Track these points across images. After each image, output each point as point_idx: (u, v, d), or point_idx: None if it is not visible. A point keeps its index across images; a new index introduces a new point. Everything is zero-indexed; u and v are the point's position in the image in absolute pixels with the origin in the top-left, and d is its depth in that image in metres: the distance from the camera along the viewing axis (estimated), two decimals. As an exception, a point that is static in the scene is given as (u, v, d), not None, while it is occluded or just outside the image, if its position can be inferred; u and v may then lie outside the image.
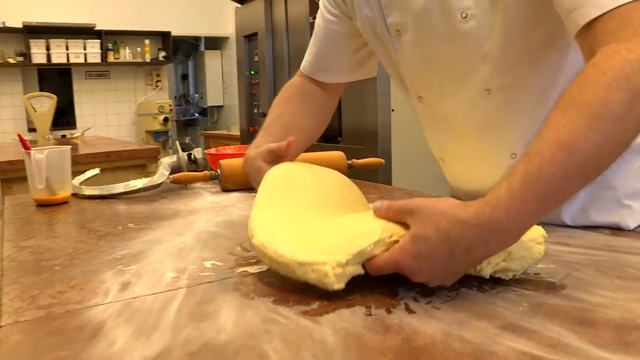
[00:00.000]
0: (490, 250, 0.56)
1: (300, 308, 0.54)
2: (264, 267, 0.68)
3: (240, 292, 0.60)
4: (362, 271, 0.57)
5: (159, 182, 1.26)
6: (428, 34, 0.82)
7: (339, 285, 0.55)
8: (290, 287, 0.60)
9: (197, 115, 7.76)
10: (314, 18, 3.22)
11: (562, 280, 0.61)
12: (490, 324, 0.50)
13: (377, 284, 0.60)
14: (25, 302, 0.59)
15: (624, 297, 0.55)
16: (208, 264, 0.71)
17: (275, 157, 0.83)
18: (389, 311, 0.53)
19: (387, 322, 0.50)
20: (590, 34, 0.61)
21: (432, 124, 0.95)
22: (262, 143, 0.89)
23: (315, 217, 0.69)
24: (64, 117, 5.90)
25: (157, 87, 6.54)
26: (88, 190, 1.24)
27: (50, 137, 3.98)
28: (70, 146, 1.23)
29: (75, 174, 1.33)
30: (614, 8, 0.58)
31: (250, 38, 4.00)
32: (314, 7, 3.19)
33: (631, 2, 0.58)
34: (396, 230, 0.58)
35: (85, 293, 0.61)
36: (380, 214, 0.61)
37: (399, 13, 0.85)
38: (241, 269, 0.68)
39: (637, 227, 0.88)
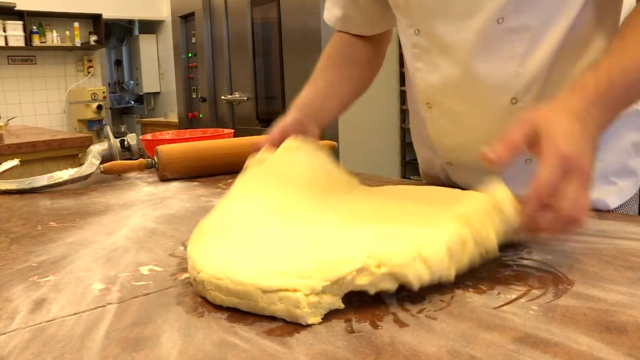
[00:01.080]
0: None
1: (263, 326, 0.43)
2: (214, 272, 0.56)
3: (186, 306, 0.48)
4: (341, 305, 0.45)
5: (88, 172, 1.11)
6: None
7: (314, 318, 0.43)
8: (248, 297, 0.49)
9: (132, 102, 7.46)
10: (255, -3, 3.10)
11: (567, 274, 0.52)
12: (502, 336, 0.40)
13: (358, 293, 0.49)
14: None
15: (645, 293, 0.47)
16: (145, 269, 0.58)
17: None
18: (375, 325, 0.42)
19: (376, 341, 0.40)
20: None
21: (427, 61, 0.84)
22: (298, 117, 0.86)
23: (288, 226, 0.57)
24: (-14, 105, 5.51)
25: (89, 73, 6.21)
26: (4, 185, 1.08)
27: (-30, 127, 3.67)
28: (-20, 134, 1.07)
29: (-6, 166, 1.17)
30: None
31: (186, 19, 3.80)
32: (254, -15, 3.04)
33: None
34: (384, 259, 0.45)
35: (-15, 316, 0.48)
36: (502, 158, 0.53)
37: None
38: (185, 275, 0.56)
39: (618, 207, 0.82)
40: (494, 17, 0.73)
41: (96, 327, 0.44)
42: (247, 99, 3.22)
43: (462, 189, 0.72)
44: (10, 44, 5.44)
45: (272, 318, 0.44)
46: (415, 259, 0.46)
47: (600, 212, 0.77)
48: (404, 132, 4.35)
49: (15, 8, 5.34)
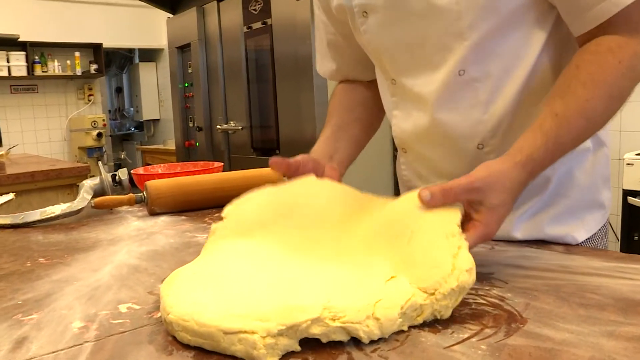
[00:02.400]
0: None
1: (228, 365, 0.46)
2: (188, 311, 0.59)
3: (157, 344, 0.51)
4: (297, 347, 0.48)
5: (80, 207, 1.15)
6: (401, 13, 0.79)
7: (271, 358, 0.46)
8: (216, 336, 0.52)
9: (133, 129, 7.53)
10: (248, 27, 3.17)
11: (521, 313, 0.55)
12: (447, 376, 0.43)
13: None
14: None
15: (590, 331, 0.50)
16: (123, 307, 0.61)
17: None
18: (331, 364, 0.45)
19: (329, 381, 0.43)
20: (598, 26, 0.70)
21: (403, 108, 0.89)
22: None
23: (257, 269, 0.59)
24: (-12, 134, 5.57)
25: (89, 101, 6.30)
26: (-2, 219, 1.12)
27: (-29, 156, 3.72)
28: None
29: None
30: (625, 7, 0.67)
31: (183, 49, 3.87)
32: (247, 16, 3.11)
33: (635, 1, 0.67)
34: (339, 313, 0.48)
35: (-33, 355, 0.51)
36: (435, 203, 0.61)
37: None
38: (160, 313, 0.58)
39: (585, 241, 0.85)
40: (455, 69, 0.77)
41: (71, 366, 0.47)
42: (242, 128, 3.27)
43: None
44: (13, 73, 5.53)
45: (235, 358, 0.47)
46: (369, 317, 0.49)
47: (569, 246, 0.80)
48: (396, 148, 4.38)
49: (19, 39, 5.45)
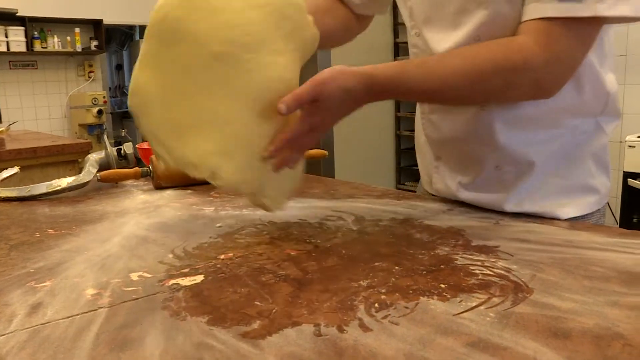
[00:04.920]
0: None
1: (239, 329, 0.47)
2: (198, 279, 0.60)
3: (170, 310, 0.52)
4: None
5: (86, 180, 1.15)
6: None
7: None
8: (228, 301, 0.53)
9: (133, 107, 7.50)
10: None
11: (527, 283, 0.56)
12: (456, 341, 0.44)
13: (325, 294, 0.53)
14: None
15: (595, 301, 0.51)
16: (135, 276, 0.62)
17: None
18: (341, 329, 0.46)
19: (340, 344, 0.44)
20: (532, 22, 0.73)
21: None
22: None
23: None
24: (-13, 110, 5.55)
25: (89, 78, 6.26)
26: (4, 192, 1.12)
27: (-28, 132, 3.72)
28: (-19, 143, 1.10)
29: (-4, 172, 1.21)
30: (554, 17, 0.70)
31: (186, 26, 3.84)
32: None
33: (573, 18, 0.69)
34: None
35: (-15, 319, 0.52)
36: (291, 110, 0.68)
37: None
38: (172, 282, 0.60)
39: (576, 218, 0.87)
40: (473, 34, 0.80)
41: (87, 329, 0.48)
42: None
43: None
44: (12, 49, 5.48)
45: (248, 321, 0.48)
46: None
47: (573, 222, 0.81)
48: (399, 138, 4.39)
49: (17, 14, 5.40)
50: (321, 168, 2.48)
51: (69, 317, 0.51)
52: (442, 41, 0.84)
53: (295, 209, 0.91)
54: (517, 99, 0.79)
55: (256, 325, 0.48)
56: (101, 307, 0.53)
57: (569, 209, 0.85)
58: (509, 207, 0.85)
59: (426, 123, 0.96)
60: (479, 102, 0.81)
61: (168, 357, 0.42)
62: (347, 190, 1.07)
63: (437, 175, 0.97)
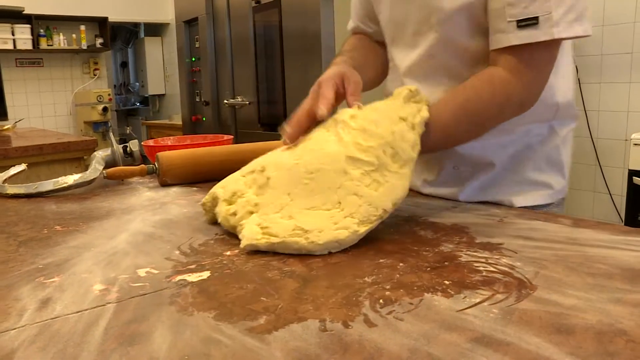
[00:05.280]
0: None
1: (246, 324, 0.48)
2: (205, 275, 0.60)
3: (177, 306, 0.53)
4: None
5: (92, 177, 1.16)
6: None
7: None
8: (234, 297, 0.54)
9: (138, 104, 7.53)
10: (257, 2, 3.15)
11: (531, 280, 0.56)
12: (460, 336, 0.44)
13: (330, 290, 0.54)
14: None
15: (598, 298, 0.51)
16: (142, 272, 0.63)
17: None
18: (346, 325, 0.47)
19: (345, 339, 0.44)
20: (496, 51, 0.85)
21: (393, 80, 1.07)
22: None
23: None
24: (-6, 107, 5.58)
25: (95, 75, 6.28)
26: (12, 189, 1.13)
27: (-22, 129, 3.74)
28: (-11, 140, 1.11)
29: (4, 169, 1.22)
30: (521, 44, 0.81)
31: (190, 23, 3.85)
32: (256, -9, 3.09)
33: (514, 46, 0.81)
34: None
35: (-5, 314, 0.52)
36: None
37: None
38: (179, 278, 0.60)
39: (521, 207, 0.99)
40: (427, 53, 0.94)
41: (96, 324, 0.49)
42: (249, 103, 3.27)
43: None
44: (18, 47, 5.51)
45: (254, 317, 0.49)
46: None
47: (576, 219, 0.81)
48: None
49: (23, 12, 5.42)
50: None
51: (77, 312, 0.52)
52: (404, 59, 1.00)
53: (301, 206, 0.92)
54: (508, 119, 0.88)
55: (262, 320, 0.48)
56: (109, 303, 0.54)
57: (521, 199, 0.97)
58: (463, 197, 0.98)
59: None
60: (478, 136, 0.89)
61: (176, 352, 0.43)
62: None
63: None
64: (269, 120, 3.16)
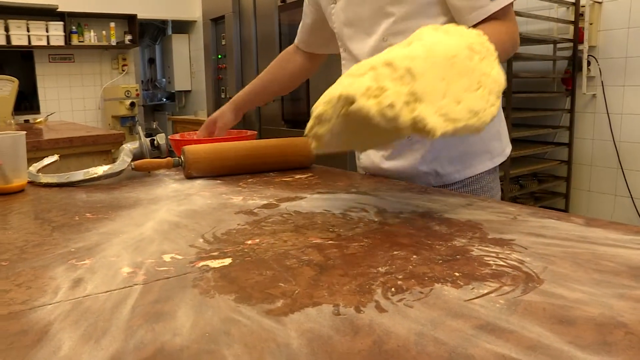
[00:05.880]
0: None
1: (264, 307, 0.51)
2: (226, 262, 0.64)
3: (200, 289, 0.56)
4: None
5: (120, 169, 1.21)
6: (353, 2, 1.21)
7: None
8: (254, 282, 0.57)
9: (164, 100, 7.63)
10: (282, 1, 3.18)
11: (539, 274, 0.58)
12: (466, 323, 0.47)
13: (345, 278, 0.57)
14: (-36, 302, 0.54)
15: (603, 293, 0.53)
16: (167, 257, 0.66)
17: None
18: (358, 310, 0.50)
19: (357, 323, 0.47)
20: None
21: (346, 66, 1.28)
22: (235, 99, 1.58)
23: None
24: (27, 101, 5.72)
25: (123, 71, 6.39)
26: (45, 178, 1.18)
27: (12, 122, 3.84)
28: (24, 132, 1.17)
29: (37, 160, 1.27)
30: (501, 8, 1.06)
31: (217, 21, 3.91)
32: (283, -10, 3.13)
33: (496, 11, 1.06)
34: None
35: (32, 291, 0.56)
36: None
37: None
38: (202, 263, 0.64)
39: (473, 179, 1.23)
40: (381, 37, 1.16)
41: (123, 303, 0.52)
42: (274, 100, 3.31)
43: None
44: (52, 43, 5.64)
45: (272, 300, 0.52)
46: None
47: (588, 219, 0.82)
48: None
49: (57, 9, 5.55)
50: (347, 163, 2.52)
51: (107, 291, 0.56)
52: (361, 48, 1.20)
53: (320, 200, 0.95)
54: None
55: (279, 304, 0.51)
56: (136, 284, 0.58)
57: (466, 172, 1.20)
58: (423, 168, 1.19)
59: None
60: None
61: (197, 329, 0.46)
62: (371, 184, 1.10)
63: (363, 156, 1.31)
64: (292, 117, 3.20)
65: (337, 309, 0.50)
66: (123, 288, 0.57)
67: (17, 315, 0.50)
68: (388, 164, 1.23)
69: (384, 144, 1.06)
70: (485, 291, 0.54)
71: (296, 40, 1.53)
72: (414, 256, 0.64)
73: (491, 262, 0.62)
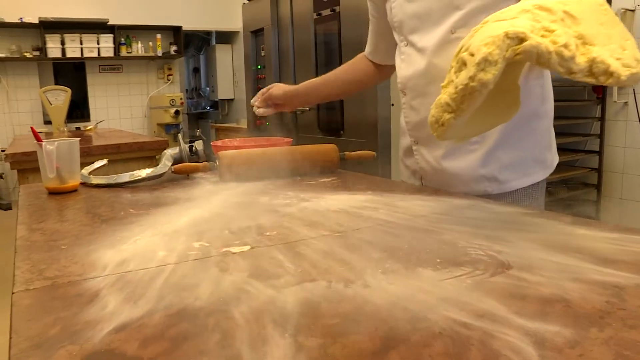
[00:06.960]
0: None
1: (270, 282, 0.62)
2: (245, 248, 0.75)
3: (221, 268, 0.67)
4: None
5: (162, 172, 1.34)
6: None
7: None
8: (265, 264, 0.68)
9: (208, 108, 7.85)
10: (318, 14, 3.31)
11: (511, 263, 0.67)
12: (432, 297, 0.56)
13: (341, 262, 0.67)
14: (34, 274, 0.67)
15: (560, 277, 0.62)
16: (196, 244, 0.78)
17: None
18: (347, 285, 0.60)
19: (343, 294, 0.58)
20: None
21: (407, 61, 1.28)
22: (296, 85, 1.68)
23: None
24: (79, 109, 6.03)
25: (168, 80, 6.64)
26: (96, 180, 1.33)
27: (65, 129, 4.09)
28: (79, 138, 1.31)
29: (87, 164, 1.42)
30: None
31: (257, 33, 4.07)
32: (317, 3, 3.26)
33: None
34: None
35: (86, 267, 0.69)
36: None
37: None
38: (225, 249, 0.75)
39: (522, 189, 1.23)
40: (449, 30, 1.16)
41: (158, 277, 0.64)
42: (310, 109, 3.43)
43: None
44: (102, 54, 5.94)
45: (277, 277, 0.63)
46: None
47: (575, 217, 0.90)
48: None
49: (108, 23, 5.85)
50: (379, 169, 2.61)
51: (145, 269, 0.68)
52: (427, 40, 1.20)
53: (337, 201, 1.05)
54: None
55: (283, 280, 0.62)
56: (169, 264, 0.70)
57: (523, 181, 1.20)
58: (482, 172, 1.19)
59: (407, 109, 1.30)
60: None
61: (214, 296, 0.58)
62: (388, 187, 1.20)
63: (418, 156, 1.32)
64: (327, 125, 3.31)
65: (329, 284, 0.61)
66: (158, 266, 0.69)
67: (74, 283, 0.63)
68: (446, 164, 1.23)
69: (491, 126, 0.94)
70: (459, 274, 0.64)
71: (365, 50, 1.57)
72: (406, 246, 0.74)
73: (472, 252, 0.72)
